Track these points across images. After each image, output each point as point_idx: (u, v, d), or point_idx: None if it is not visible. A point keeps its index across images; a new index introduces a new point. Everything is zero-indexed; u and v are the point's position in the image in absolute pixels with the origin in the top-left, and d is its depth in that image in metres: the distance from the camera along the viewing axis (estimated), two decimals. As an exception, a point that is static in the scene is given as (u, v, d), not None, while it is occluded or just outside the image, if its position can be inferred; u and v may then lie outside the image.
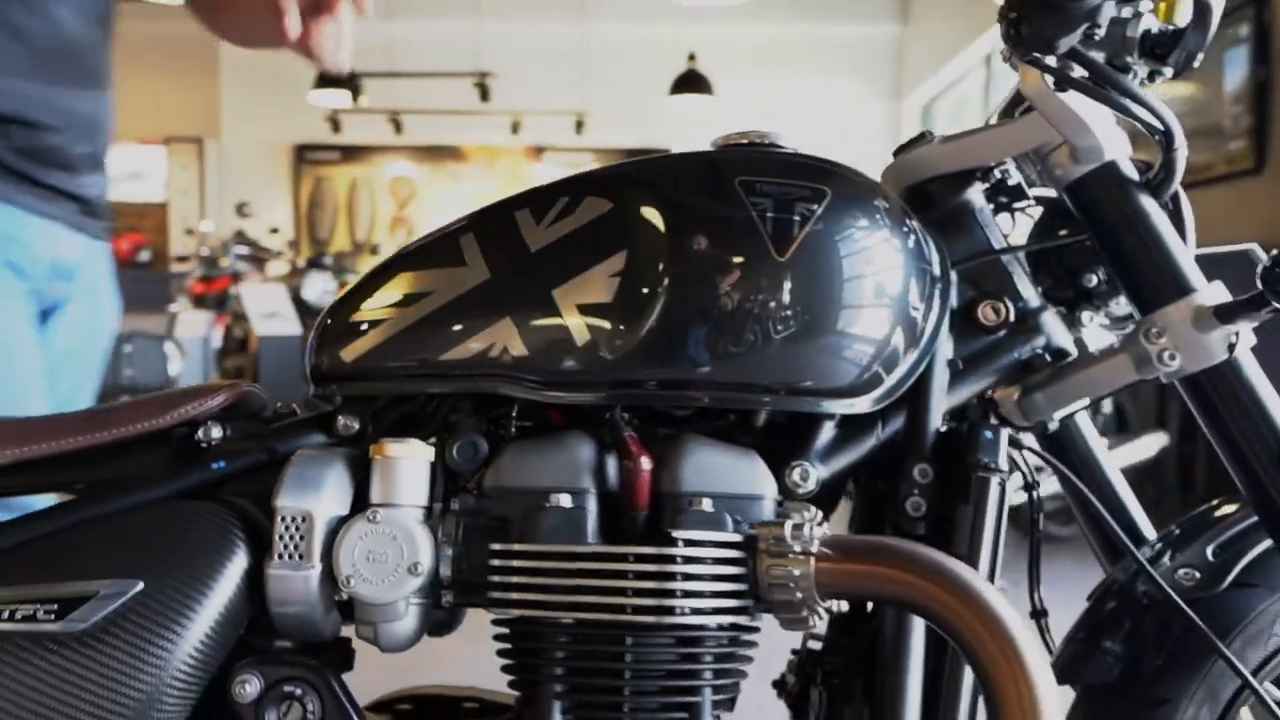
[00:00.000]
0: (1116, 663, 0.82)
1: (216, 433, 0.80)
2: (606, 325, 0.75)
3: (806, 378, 0.75)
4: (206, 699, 0.72)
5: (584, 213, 0.78)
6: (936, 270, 0.82)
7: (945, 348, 0.83)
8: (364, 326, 0.79)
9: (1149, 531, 0.94)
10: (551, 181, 0.81)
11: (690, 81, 7.33)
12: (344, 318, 0.80)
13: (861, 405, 0.77)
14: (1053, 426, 0.89)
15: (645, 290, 0.74)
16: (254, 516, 0.75)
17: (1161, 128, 0.77)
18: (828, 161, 0.80)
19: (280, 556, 0.72)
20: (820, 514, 0.74)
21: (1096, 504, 0.89)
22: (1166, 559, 0.86)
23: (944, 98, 8.07)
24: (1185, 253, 0.81)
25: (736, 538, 0.72)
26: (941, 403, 0.82)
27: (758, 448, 0.78)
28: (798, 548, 0.70)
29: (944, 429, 0.83)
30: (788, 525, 0.71)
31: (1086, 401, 0.86)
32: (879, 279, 0.78)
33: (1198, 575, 0.81)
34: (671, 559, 0.69)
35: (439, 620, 0.80)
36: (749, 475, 0.76)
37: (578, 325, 0.75)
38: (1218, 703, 0.80)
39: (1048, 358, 0.85)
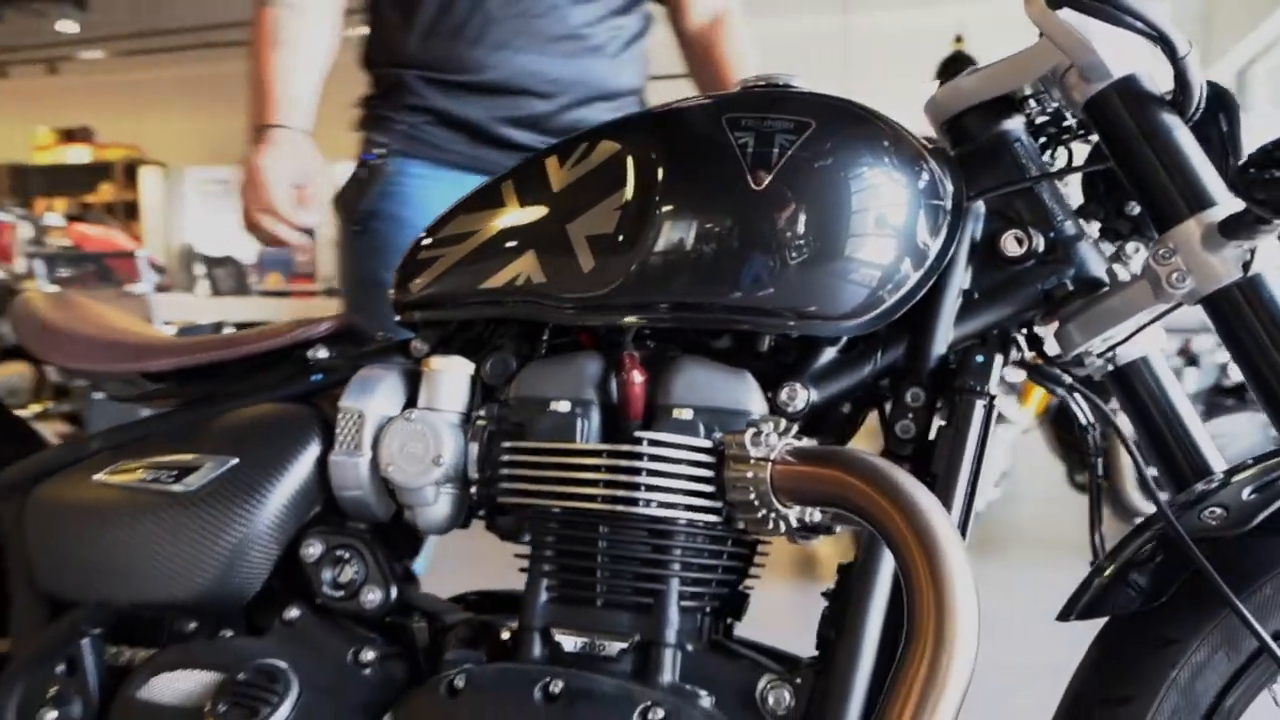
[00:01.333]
0: (1136, 597, 0.78)
1: (322, 354, 0.98)
2: (608, 255, 0.83)
3: (785, 301, 0.79)
4: (285, 558, 0.89)
5: (597, 156, 0.87)
6: (948, 201, 0.83)
7: (958, 277, 0.84)
8: (428, 263, 0.93)
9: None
10: (579, 132, 0.91)
11: (957, 64, 7.03)
12: (415, 256, 0.94)
13: (844, 329, 0.80)
14: (1090, 362, 0.86)
15: (640, 223, 0.82)
16: (331, 418, 0.91)
17: (1158, 37, 0.74)
18: (823, 97, 0.84)
19: (339, 446, 0.87)
20: (793, 427, 0.79)
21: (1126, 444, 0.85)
22: (1209, 497, 0.81)
23: (1260, 62, 7.15)
24: (1207, 168, 0.76)
25: (705, 443, 0.78)
26: (946, 331, 0.83)
27: (756, 369, 0.83)
28: (757, 453, 0.76)
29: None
30: (749, 433, 0.76)
31: (1120, 333, 0.83)
32: (869, 206, 0.80)
33: (1223, 514, 0.76)
34: (638, 456, 0.77)
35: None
36: (735, 392, 0.81)
37: (585, 255, 0.84)
38: (1238, 654, 0.74)
39: (1070, 287, 0.83)
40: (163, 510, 0.87)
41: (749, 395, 0.81)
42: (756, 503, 0.76)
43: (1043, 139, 0.91)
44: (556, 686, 0.72)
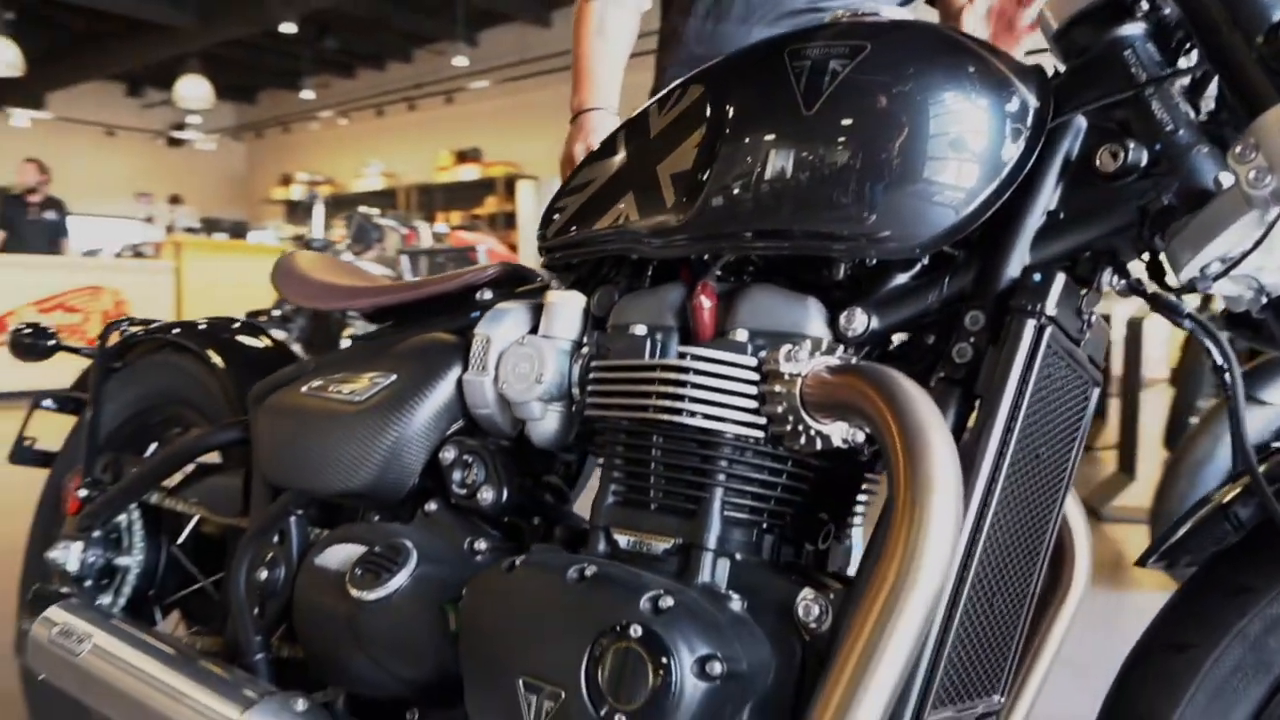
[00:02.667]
0: (1218, 541, 0.70)
1: (487, 294, 1.13)
2: (686, 191, 0.90)
3: (839, 225, 0.81)
4: (432, 463, 1.04)
5: (684, 100, 0.93)
6: (1027, 116, 0.80)
7: (1042, 197, 0.80)
8: (559, 210, 1.04)
9: None
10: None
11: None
12: (553, 205, 1.06)
13: (895, 251, 0.80)
14: (1203, 286, 0.78)
15: (711, 158, 0.88)
16: None
17: None
18: (888, 21, 0.83)
19: (470, 368, 1.01)
20: (837, 348, 0.80)
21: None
22: None
23: None
24: None
25: (750, 361, 0.82)
26: (1021, 254, 0.79)
27: (825, 296, 0.85)
28: (790, 369, 0.78)
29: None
30: (784, 349, 0.79)
31: (1224, 249, 0.74)
32: (927, 124, 0.79)
33: None
34: (684, 370, 0.82)
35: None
36: (794, 316, 0.84)
37: (669, 192, 0.91)
38: None
39: (1165, 201, 0.75)
40: (340, 416, 1.06)
41: (809, 319, 0.83)
42: (788, 416, 0.78)
43: (1172, 43, 0.83)
44: (589, 571, 0.80)
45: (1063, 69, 0.85)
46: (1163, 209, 0.76)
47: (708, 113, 0.90)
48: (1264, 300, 0.79)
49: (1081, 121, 0.81)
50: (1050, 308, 0.75)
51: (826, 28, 0.86)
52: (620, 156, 0.98)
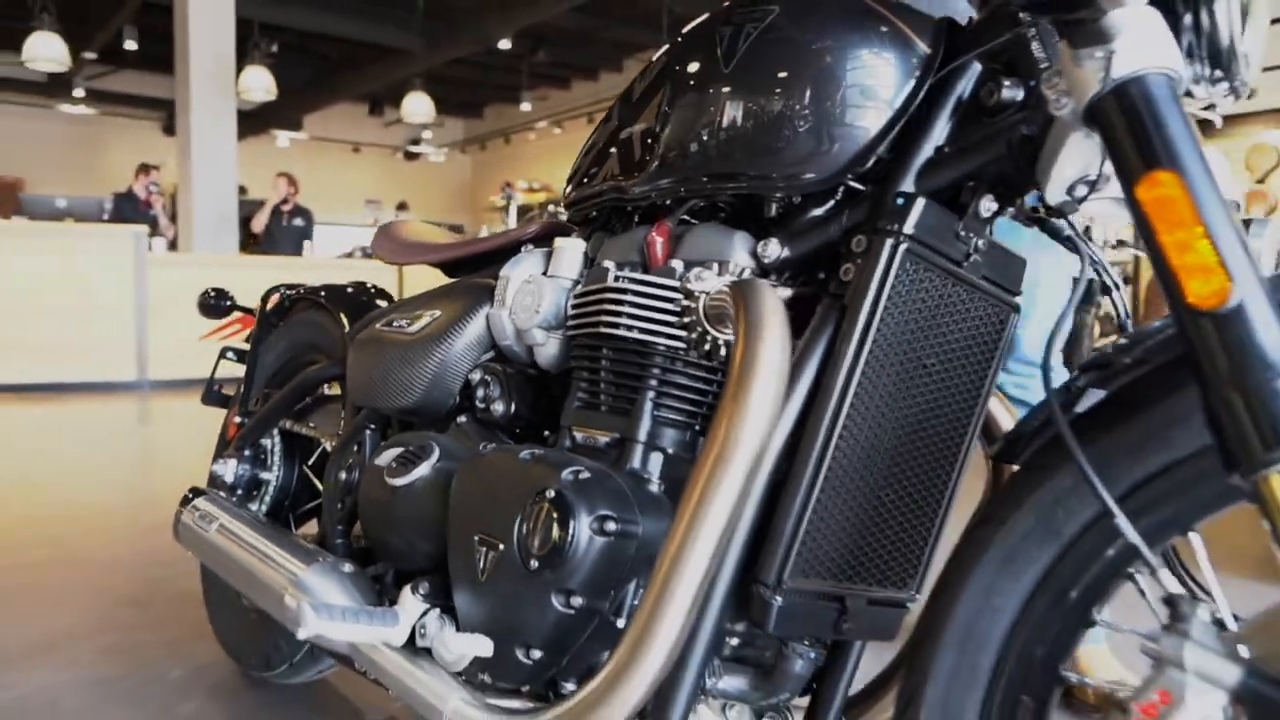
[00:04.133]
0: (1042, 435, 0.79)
1: (529, 246, 1.33)
2: (647, 147, 1.06)
3: (748, 166, 0.95)
4: (466, 385, 1.25)
5: (652, 69, 1.10)
6: (914, 61, 0.90)
7: (931, 135, 0.90)
8: (575, 171, 1.23)
9: None
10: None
11: None
12: (573, 169, 1.25)
13: (791, 187, 0.92)
14: (1069, 209, 0.85)
15: (665, 117, 1.03)
16: None
17: None
18: None
19: (494, 304, 1.22)
20: (745, 271, 0.94)
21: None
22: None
23: None
24: None
25: (675, 283, 0.97)
26: (908, 184, 0.89)
27: (753, 230, 0.99)
28: (697, 287, 0.93)
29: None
30: (695, 271, 0.94)
31: (1074, 173, 0.82)
32: (825, 75, 0.92)
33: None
34: (621, 291, 0.99)
35: None
36: (721, 246, 0.98)
37: (638, 149, 1.08)
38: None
39: (1026, 131, 0.84)
40: (398, 346, 1.29)
41: (733, 249, 0.98)
42: (696, 327, 0.93)
43: None
44: (536, 453, 0.98)
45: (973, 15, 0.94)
46: (1023, 139, 0.84)
47: (663, 79, 1.06)
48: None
49: (977, 66, 0.90)
50: (909, 227, 0.85)
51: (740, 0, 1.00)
52: (613, 122, 1.16)
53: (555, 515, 0.89)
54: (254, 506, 1.67)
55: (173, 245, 7.83)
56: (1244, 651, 0.63)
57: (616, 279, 1.01)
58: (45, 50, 8.36)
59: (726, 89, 0.96)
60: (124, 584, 2.33)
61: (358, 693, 1.74)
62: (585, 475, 0.92)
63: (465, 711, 0.93)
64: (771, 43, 0.94)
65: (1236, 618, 0.67)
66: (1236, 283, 0.62)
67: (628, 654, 0.80)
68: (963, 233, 0.90)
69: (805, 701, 0.99)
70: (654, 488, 0.96)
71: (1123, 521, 0.67)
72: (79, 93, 13.01)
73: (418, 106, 11.21)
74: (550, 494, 0.90)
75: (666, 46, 1.10)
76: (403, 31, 10.68)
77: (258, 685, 1.74)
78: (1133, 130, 0.70)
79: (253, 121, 12.36)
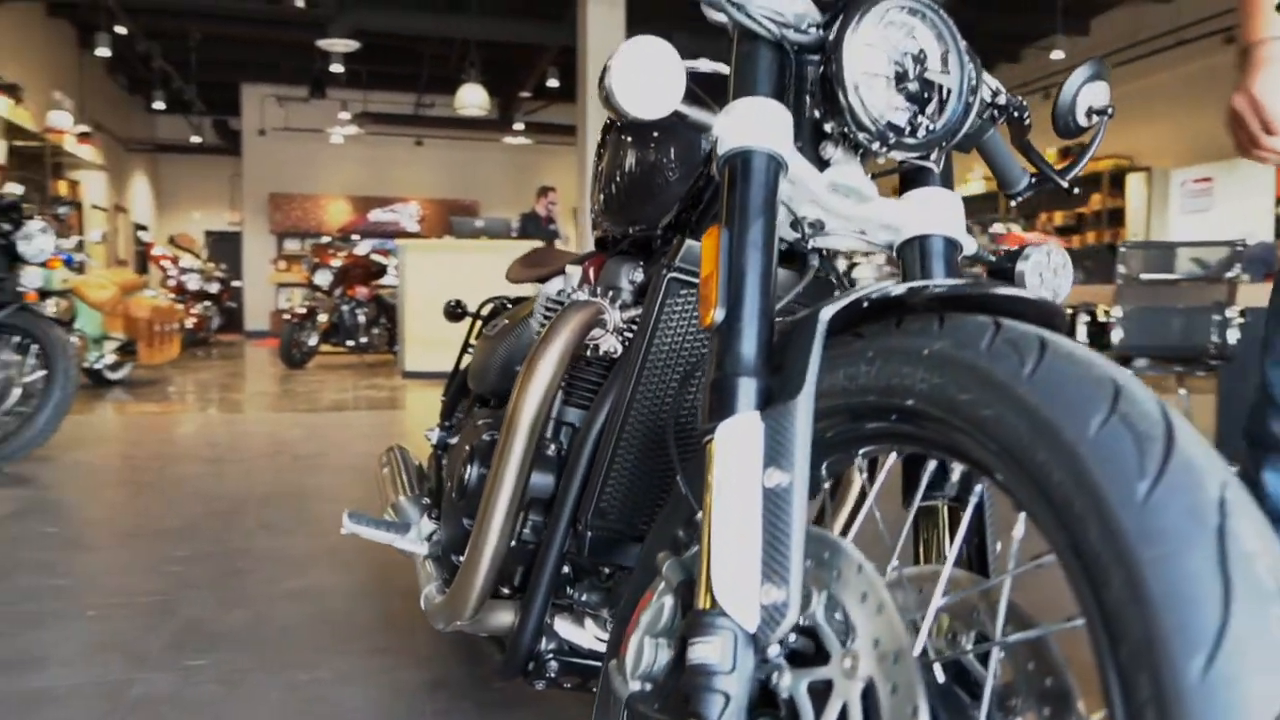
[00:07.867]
0: None
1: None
2: (604, 191, 1.41)
3: (624, 220, 1.27)
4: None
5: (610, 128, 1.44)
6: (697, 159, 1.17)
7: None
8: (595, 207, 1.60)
9: None
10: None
11: None
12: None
13: (637, 234, 1.23)
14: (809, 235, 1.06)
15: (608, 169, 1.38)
16: None
17: None
18: None
19: (534, 313, 1.62)
20: (621, 293, 1.27)
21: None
22: None
23: None
24: None
25: (561, 300, 1.31)
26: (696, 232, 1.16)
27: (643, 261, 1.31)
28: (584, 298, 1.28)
29: None
30: (578, 295, 1.28)
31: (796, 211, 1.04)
32: (648, 167, 1.22)
33: None
34: (555, 304, 1.35)
35: None
36: (616, 274, 1.30)
37: (603, 194, 1.43)
38: None
39: None
40: (489, 341, 1.74)
41: (621, 277, 1.30)
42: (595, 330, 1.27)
43: None
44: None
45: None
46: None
47: (600, 151, 1.40)
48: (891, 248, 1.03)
49: None
50: (676, 262, 1.12)
51: None
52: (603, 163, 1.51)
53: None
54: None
55: (575, 255, 9.06)
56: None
57: (548, 297, 1.37)
58: (472, 99, 10.21)
59: (617, 168, 1.29)
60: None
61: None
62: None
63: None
64: (628, 144, 1.26)
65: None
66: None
67: (472, 558, 1.18)
68: None
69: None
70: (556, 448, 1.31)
71: None
72: (518, 126, 15.32)
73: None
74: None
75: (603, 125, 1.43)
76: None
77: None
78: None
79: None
